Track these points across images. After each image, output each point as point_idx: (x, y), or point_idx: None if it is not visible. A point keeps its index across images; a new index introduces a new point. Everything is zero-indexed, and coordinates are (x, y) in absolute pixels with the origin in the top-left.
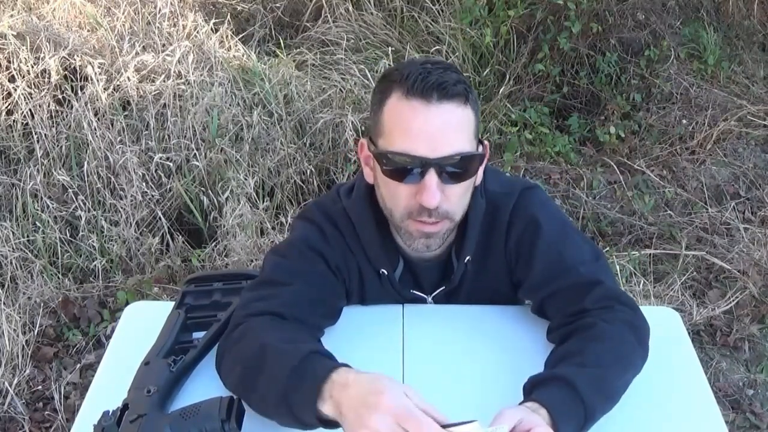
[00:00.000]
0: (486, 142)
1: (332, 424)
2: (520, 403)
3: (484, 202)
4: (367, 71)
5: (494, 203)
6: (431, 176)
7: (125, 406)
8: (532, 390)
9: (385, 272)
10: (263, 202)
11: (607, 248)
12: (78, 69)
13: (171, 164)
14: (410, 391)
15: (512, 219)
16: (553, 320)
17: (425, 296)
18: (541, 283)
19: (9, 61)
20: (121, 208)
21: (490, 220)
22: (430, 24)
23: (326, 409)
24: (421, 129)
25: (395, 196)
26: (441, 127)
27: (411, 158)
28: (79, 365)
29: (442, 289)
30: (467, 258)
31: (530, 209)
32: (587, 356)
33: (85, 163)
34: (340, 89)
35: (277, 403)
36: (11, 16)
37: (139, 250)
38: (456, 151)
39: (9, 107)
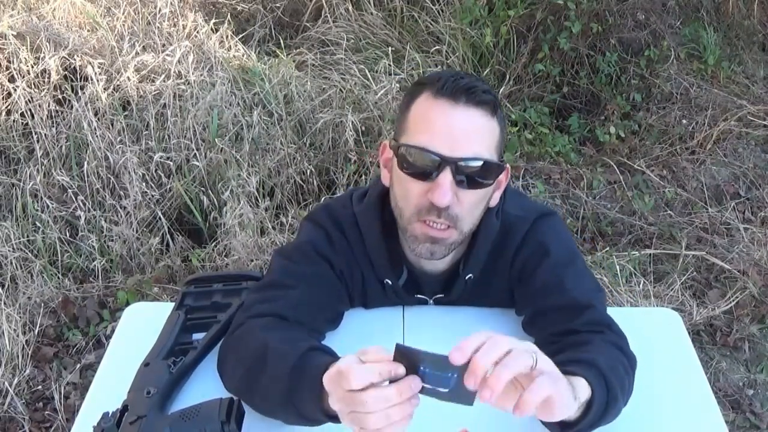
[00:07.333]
0: (508, 166)
1: (338, 417)
2: None
3: (498, 224)
4: (367, 71)
5: (508, 226)
6: (446, 175)
7: (125, 408)
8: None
9: (389, 282)
10: (263, 201)
11: (607, 248)
12: (78, 69)
13: (171, 164)
14: (368, 353)
15: (522, 244)
16: (538, 337)
17: (427, 298)
18: (534, 297)
19: (9, 61)
20: (121, 208)
21: (500, 242)
22: (430, 24)
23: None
24: (443, 127)
25: (407, 194)
26: (463, 129)
27: (428, 154)
28: (79, 365)
29: (441, 296)
30: (468, 276)
31: (542, 236)
32: (591, 354)
33: (85, 163)
34: (340, 89)
35: (282, 402)
36: (11, 16)
37: (139, 250)
38: (475, 155)
39: (9, 107)
